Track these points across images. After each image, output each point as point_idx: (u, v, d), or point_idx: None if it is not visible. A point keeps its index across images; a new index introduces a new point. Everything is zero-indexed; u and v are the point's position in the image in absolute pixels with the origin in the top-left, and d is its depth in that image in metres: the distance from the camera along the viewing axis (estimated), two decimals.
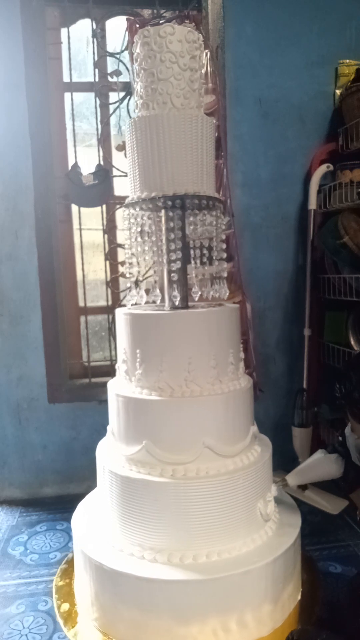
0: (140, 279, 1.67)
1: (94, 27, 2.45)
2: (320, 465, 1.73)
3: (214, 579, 1.37)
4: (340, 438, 1.70)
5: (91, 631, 1.53)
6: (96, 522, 1.66)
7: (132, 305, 1.72)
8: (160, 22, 1.58)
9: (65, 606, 1.67)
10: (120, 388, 1.62)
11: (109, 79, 2.52)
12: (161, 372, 1.51)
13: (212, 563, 1.42)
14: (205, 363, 1.52)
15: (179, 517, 1.44)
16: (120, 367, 1.67)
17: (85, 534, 1.61)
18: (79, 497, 1.85)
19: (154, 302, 1.70)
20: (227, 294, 1.65)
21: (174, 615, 1.38)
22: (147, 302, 1.69)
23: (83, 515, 1.74)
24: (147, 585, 1.38)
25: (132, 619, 1.42)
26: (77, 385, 2.64)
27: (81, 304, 2.65)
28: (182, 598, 1.37)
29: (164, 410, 1.50)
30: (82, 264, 2.59)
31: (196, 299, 1.68)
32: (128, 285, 1.69)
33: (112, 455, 1.63)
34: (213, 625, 1.38)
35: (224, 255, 1.61)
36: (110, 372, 2.57)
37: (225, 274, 1.64)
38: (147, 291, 1.68)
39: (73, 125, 2.51)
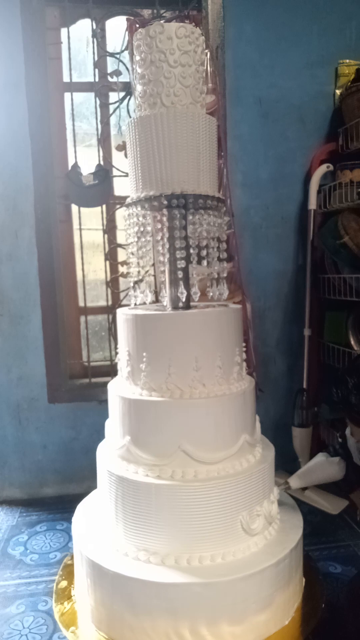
0: (138, 278, 1.66)
1: (94, 27, 2.45)
2: (322, 468, 1.73)
3: (165, 584, 1.35)
4: (340, 440, 1.70)
5: (90, 628, 1.53)
6: (94, 518, 1.68)
7: (135, 305, 1.72)
8: (160, 22, 1.58)
9: (64, 583, 1.73)
10: (115, 384, 1.65)
11: (109, 79, 2.52)
12: (143, 372, 1.51)
13: (178, 567, 1.40)
14: (188, 365, 1.48)
15: (150, 517, 1.44)
16: (117, 363, 1.70)
17: (85, 532, 1.62)
18: (79, 497, 1.85)
19: (154, 301, 1.70)
20: (227, 293, 1.64)
21: (129, 609, 1.40)
22: (143, 303, 1.69)
23: (84, 513, 1.75)
24: (113, 580, 1.42)
25: (110, 614, 1.46)
26: (77, 385, 2.64)
27: (81, 304, 2.65)
28: (135, 595, 1.38)
29: (143, 409, 1.50)
30: (82, 264, 2.59)
31: (196, 299, 1.68)
32: (132, 284, 1.68)
33: (108, 450, 1.66)
34: (166, 629, 1.36)
35: (225, 255, 1.61)
36: (110, 372, 2.58)
37: (225, 274, 1.63)
38: (148, 291, 1.67)
39: (73, 125, 2.51)
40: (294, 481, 1.77)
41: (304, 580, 1.66)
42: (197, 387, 1.48)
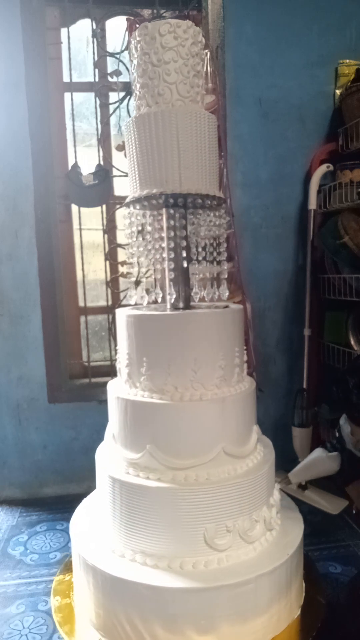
0: (138, 278, 1.67)
1: (94, 27, 2.45)
2: (320, 462, 1.78)
3: (123, 580, 1.37)
4: (337, 434, 1.73)
5: (88, 629, 1.54)
6: (93, 509, 1.72)
7: (139, 305, 1.73)
8: (146, 23, 1.57)
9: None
10: (113, 382, 1.69)
11: (109, 79, 2.52)
12: (125, 370, 1.55)
13: (146, 565, 1.41)
14: (162, 368, 1.46)
15: (123, 513, 1.46)
16: None
17: (82, 533, 1.63)
18: (79, 497, 1.85)
19: (154, 301, 1.70)
20: (227, 294, 1.64)
21: (101, 602, 1.45)
22: (138, 303, 1.70)
23: (82, 515, 1.75)
24: (86, 569, 1.49)
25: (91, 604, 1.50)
26: (77, 385, 2.64)
27: (81, 304, 2.65)
28: (107, 589, 1.42)
29: (122, 407, 1.53)
30: (82, 264, 2.59)
31: (197, 299, 1.68)
32: (132, 284, 1.68)
33: (104, 448, 1.70)
34: (124, 623, 1.38)
35: (226, 254, 1.60)
36: (110, 372, 2.57)
37: (226, 275, 1.62)
38: (147, 291, 1.68)
39: (73, 125, 2.51)
40: (294, 476, 1.80)
41: (302, 597, 1.60)
42: (169, 390, 1.47)
